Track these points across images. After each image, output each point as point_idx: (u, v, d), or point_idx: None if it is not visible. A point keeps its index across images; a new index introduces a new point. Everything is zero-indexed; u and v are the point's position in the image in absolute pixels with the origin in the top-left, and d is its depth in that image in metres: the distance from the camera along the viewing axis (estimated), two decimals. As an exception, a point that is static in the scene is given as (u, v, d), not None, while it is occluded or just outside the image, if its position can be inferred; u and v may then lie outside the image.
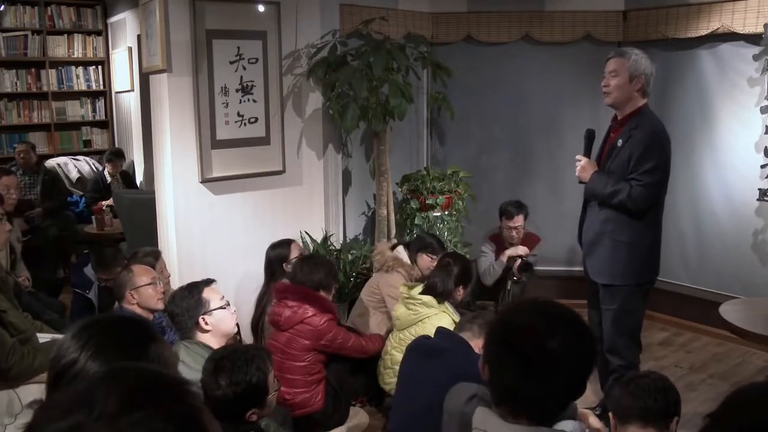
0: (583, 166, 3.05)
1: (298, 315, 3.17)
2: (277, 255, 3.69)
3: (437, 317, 3.16)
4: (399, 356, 3.19)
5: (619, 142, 2.96)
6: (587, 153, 3.11)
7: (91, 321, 1.30)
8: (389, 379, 3.31)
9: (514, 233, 4.28)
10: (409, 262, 3.82)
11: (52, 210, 5.50)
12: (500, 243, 4.35)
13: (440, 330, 2.78)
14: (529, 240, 4.39)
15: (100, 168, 6.31)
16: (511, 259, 4.22)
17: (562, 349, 1.30)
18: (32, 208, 5.30)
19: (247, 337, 3.74)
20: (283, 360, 3.11)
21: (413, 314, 3.22)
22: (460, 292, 3.29)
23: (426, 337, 2.79)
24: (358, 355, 3.35)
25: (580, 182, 3.12)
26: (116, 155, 6.10)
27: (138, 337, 1.22)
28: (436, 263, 3.54)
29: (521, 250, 4.23)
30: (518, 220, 4.27)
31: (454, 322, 3.11)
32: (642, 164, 2.89)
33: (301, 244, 3.98)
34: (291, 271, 3.44)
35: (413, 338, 3.14)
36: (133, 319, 1.54)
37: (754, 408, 0.98)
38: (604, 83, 2.98)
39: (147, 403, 0.68)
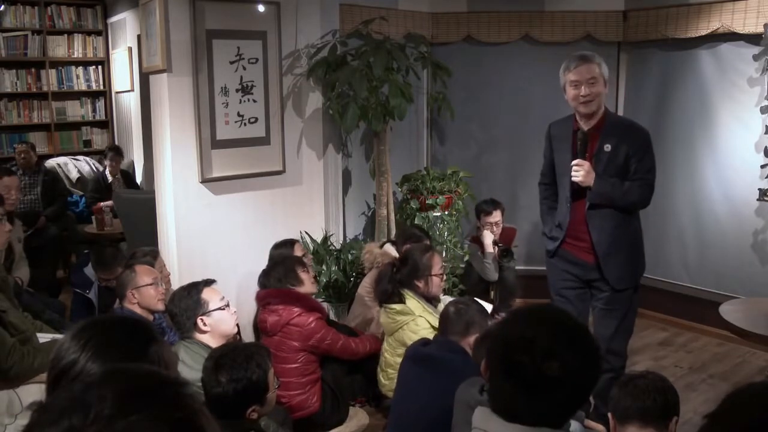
0: (587, 170, 2.92)
1: (284, 317, 3.16)
2: (280, 255, 3.69)
3: (414, 323, 3.14)
4: (390, 359, 3.23)
5: (607, 147, 2.91)
6: (584, 156, 3.01)
7: (91, 321, 1.29)
8: (384, 381, 3.32)
9: (494, 228, 4.30)
10: (397, 256, 3.82)
11: (54, 216, 5.49)
12: (481, 243, 4.35)
13: (437, 338, 2.78)
14: (508, 233, 4.43)
15: (101, 168, 6.31)
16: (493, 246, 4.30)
17: (563, 371, 1.28)
18: (38, 219, 5.29)
19: (248, 337, 3.74)
20: (275, 364, 3.08)
21: (392, 322, 3.22)
22: (425, 282, 3.23)
23: (424, 343, 2.79)
24: (347, 357, 3.34)
25: (582, 187, 2.98)
26: (115, 152, 6.11)
27: (138, 338, 1.21)
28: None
29: (488, 237, 4.25)
30: (496, 215, 4.32)
31: (433, 327, 3.08)
32: (645, 164, 2.91)
33: (303, 246, 3.98)
34: (261, 283, 3.44)
35: (399, 343, 3.17)
36: (134, 319, 1.53)
37: (753, 408, 0.98)
38: (586, 92, 2.89)
39: (143, 406, 0.67)
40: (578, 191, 2.99)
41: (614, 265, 2.99)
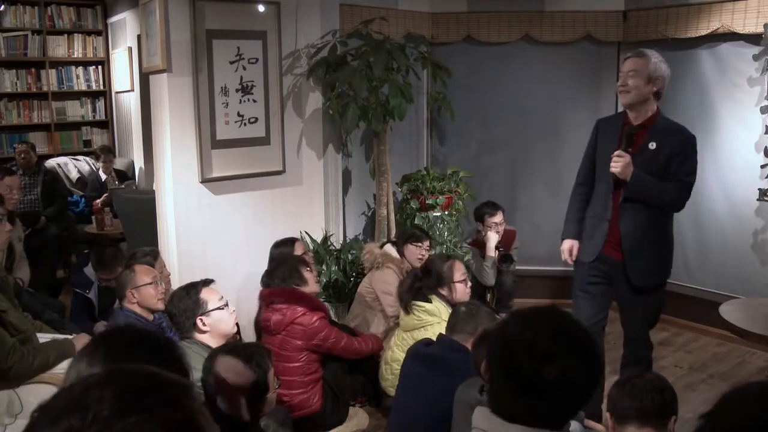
0: (627, 162, 2.90)
1: (288, 316, 3.17)
2: (280, 253, 3.70)
3: (440, 326, 3.12)
4: (398, 354, 3.22)
5: (652, 145, 2.90)
6: (627, 149, 2.96)
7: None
8: (387, 375, 3.32)
9: (498, 228, 4.31)
10: (398, 257, 3.86)
11: (54, 216, 5.50)
12: (480, 246, 4.36)
13: (441, 338, 2.77)
14: (508, 236, 4.43)
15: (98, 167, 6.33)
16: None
17: (563, 374, 1.27)
18: (38, 219, 5.29)
19: (248, 337, 3.74)
20: (278, 362, 3.09)
21: (416, 320, 3.21)
22: (449, 290, 3.25)
23: (426, 343, 2.79)
24: (350, 356, 3.35)
25: (620, 180, 2.96)
26: (103, 151, 6.14)
27: None
28: (422, 251, 3.79)
29: (493, 239, 4.26)
30: (499, 216, 4.33)
31: None
32: (687, 167, 2.92)
33: (304, 245, 3.99)
34: (264, 283, 3.43)
35: (414, 342, 3.15)
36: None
37: (748, 408, 0.98)
38: (622, 82, 2.92)
39: (142, 408, 0.67)
40: (616, 184, 2.99)
41: (638, 263, 2.99)
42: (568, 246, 3.24)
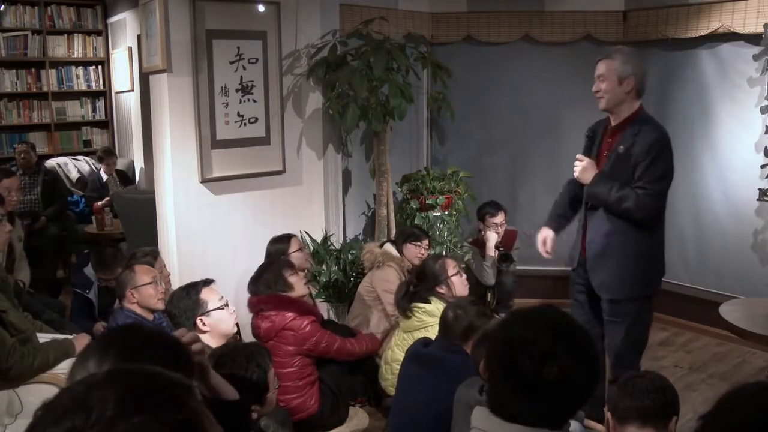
0: (584, 166, 2.86)
1: (277, 323, 3.15)
2: (277, 250, 3.70)
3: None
4: (398, 354, 3.22)
5: (621, 148, 2.79)
6: (588, 153, 2.96)
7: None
8: (387, 375, 3.31)
9: (498, 229, 4.32)
10: (398, 255, 3.88)
11: (55, 216, 5.50)
12: (481, 245, 4.36)
13: (438, 339, 2.77)
14: (509, 236, 4.44)
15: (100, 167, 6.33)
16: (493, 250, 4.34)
17: (563, 374, 1.27)
18: (37, 218, 5.29)
19: (248, 337, 3.74)
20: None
21: (416, 321, 3.21)
22: (446, 287, 3.26)
23: (425, 343, 2.78)
24: (344, 358, 3.33)
25: (580, 184, 2.97)
26: (106, 154, 6.13)
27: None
28: (421, 250, 3.83)
29: (492, 238, 4.27)
30: (500, 217, 4.35)
31: None
32: (650, 172, 2.72)
33: (300, 241, 3.99)
34: (251, 290, 3.40)
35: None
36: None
37: (747, 408, 0.98)
38: (595, 88, 2.84)
39: (146, 408, 0.67)
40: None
41: (601, 271, 2.89)
42: (542, 237, 3.12)
